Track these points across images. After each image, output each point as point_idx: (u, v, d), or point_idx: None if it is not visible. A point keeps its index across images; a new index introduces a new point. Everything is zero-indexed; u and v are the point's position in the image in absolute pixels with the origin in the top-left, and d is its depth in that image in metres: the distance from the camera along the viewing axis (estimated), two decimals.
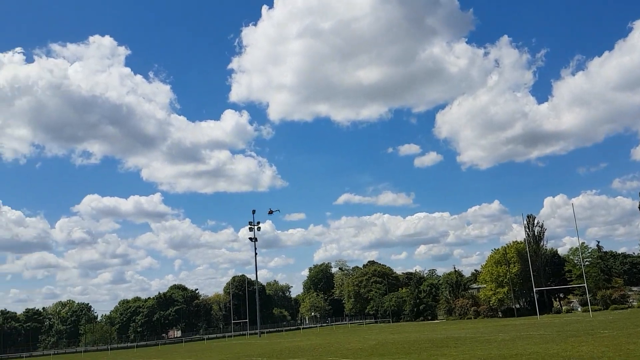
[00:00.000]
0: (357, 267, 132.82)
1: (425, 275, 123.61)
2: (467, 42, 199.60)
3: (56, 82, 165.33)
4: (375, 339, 40.67)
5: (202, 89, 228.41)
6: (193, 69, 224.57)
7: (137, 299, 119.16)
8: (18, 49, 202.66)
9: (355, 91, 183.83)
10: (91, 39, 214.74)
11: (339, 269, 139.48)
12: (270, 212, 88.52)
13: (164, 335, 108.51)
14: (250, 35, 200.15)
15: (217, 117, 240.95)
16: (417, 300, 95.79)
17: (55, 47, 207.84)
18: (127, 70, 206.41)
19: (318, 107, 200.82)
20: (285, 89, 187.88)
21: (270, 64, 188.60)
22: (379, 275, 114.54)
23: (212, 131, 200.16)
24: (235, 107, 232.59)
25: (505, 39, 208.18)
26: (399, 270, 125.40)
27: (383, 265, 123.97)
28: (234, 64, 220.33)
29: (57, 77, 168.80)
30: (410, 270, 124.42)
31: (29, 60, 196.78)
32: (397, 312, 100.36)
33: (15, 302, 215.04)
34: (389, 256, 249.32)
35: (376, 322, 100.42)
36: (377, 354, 26.16)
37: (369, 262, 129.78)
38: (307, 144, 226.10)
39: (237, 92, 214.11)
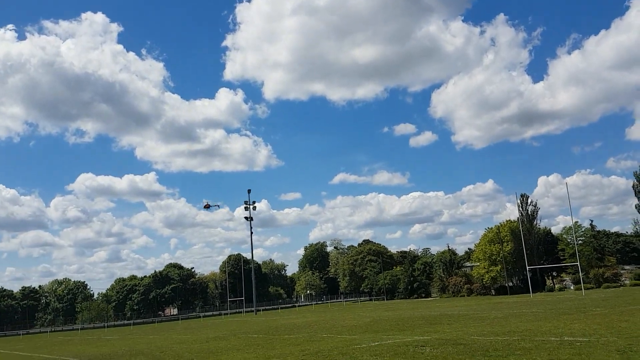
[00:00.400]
0: (352, 246, 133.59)
1: (419, 253, 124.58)
2: (463, 21, 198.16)
3: (49, 60, 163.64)
4: (370, 316, 41.12)
5: (196, 66, 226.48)
6: (186, 46, 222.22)
7: (133, 277, 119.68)
8: (10, 26, 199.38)
9: (351, 70, 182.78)
10: (83, 15, 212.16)
11: (334, 247, 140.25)
12: (207, 207, 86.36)
13: (160, 313, 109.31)
14: (245, 12, 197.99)
15: (211, 96, 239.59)
16: (411, 279, 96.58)
17: (47, 24, 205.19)
18: (120, 47, 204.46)
19: (314, 85, 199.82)
20: (281, 67, 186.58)
21: (265, 41, 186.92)
22: (373, 254, 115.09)
23: (206, 110, 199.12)
24: (230, 85, 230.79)
25: (501, 17, 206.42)
26: (393, 249, 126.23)
27: (378, 244, 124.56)
28: (228, 41, 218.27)
29: (50, 55, 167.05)
30: (405, 249, 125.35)
31: (21, 37, 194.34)
32: (392, 290, 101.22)
33: (11, 280, 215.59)
34: (383, 235, 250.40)
35: (371, 300, 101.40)
36: (372, 330, 26.47)
37: (364, 241, 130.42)
38: (303, 123, 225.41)
39: (232, 70, 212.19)
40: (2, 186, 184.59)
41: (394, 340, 20.52)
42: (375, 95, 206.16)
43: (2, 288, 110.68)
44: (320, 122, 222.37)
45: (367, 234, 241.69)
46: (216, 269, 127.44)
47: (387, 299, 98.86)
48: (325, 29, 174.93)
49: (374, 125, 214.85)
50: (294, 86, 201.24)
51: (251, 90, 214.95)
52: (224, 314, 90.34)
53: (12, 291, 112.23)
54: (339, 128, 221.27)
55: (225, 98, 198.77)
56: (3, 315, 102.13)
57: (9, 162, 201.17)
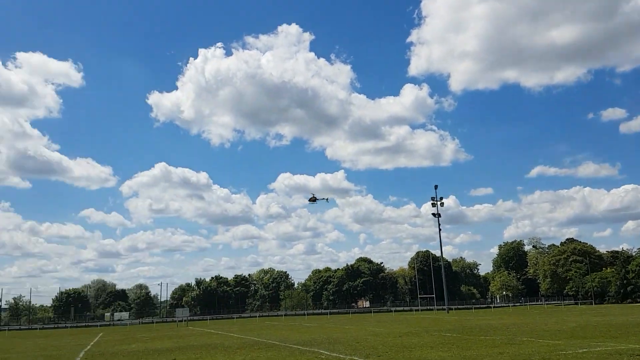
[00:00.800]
0: (554, 245, 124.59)
1: (633, 253, 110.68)
2: None
3: (251, 72, 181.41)
4: (575, 321, 37.65)
5: (381, 65, 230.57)
6: (372, 47, 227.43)
7: (327, 269, 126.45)
8: (219, 44, 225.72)
9: (548, 53, 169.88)
10: (279, 28, 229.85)
11: (533, 246, 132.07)
12: (313, 200, 75.30)
13: (353, 304, 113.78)
14: (430, 5, 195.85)
15: (396, 93, 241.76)
16: (625, 281, 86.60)
17: (249, 39, 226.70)
18: (312, 54, 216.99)
19: (505, 73, 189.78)
20: (469, 57, 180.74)
21: (451, 32, 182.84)
22: (579, 254, 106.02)
23: (391, 107, 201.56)
24: (415, 80, 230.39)
25: None
26: (602, 248, 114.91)
27: (584, 243, 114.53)
28: (413, 36, 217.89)
29: (252, 67, 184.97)
30: (616, 249, 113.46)
31: (228, 53, 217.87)
32: (601, 294, 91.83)
33: (226, 268, 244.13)
34: (590, 233, 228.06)
35: (576, 304, 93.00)
36: (578, 336, 24.14)
37: (567, 239, 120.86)
38: (494, 113, 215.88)
39: (417, 65, 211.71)
40: (217, 186, 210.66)
41: (604, 347, 18.52)
42: (576, 79, 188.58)
43: (219, 276, 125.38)
44: (513, 112, 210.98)
45: (571, 232, 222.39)
46: (404, 265, 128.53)
47: (595, 303, 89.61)
48: (517, 12, 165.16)
49: (577, 112, 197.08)
50: (484, 75, 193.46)
51: (436, 83, 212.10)
52: (415, 310, 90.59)
53: (227, 279, 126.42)
54: (535, 117, 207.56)
55: (409, 94, 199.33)
56: (220, 300, 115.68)
57: (222, 165, 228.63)
